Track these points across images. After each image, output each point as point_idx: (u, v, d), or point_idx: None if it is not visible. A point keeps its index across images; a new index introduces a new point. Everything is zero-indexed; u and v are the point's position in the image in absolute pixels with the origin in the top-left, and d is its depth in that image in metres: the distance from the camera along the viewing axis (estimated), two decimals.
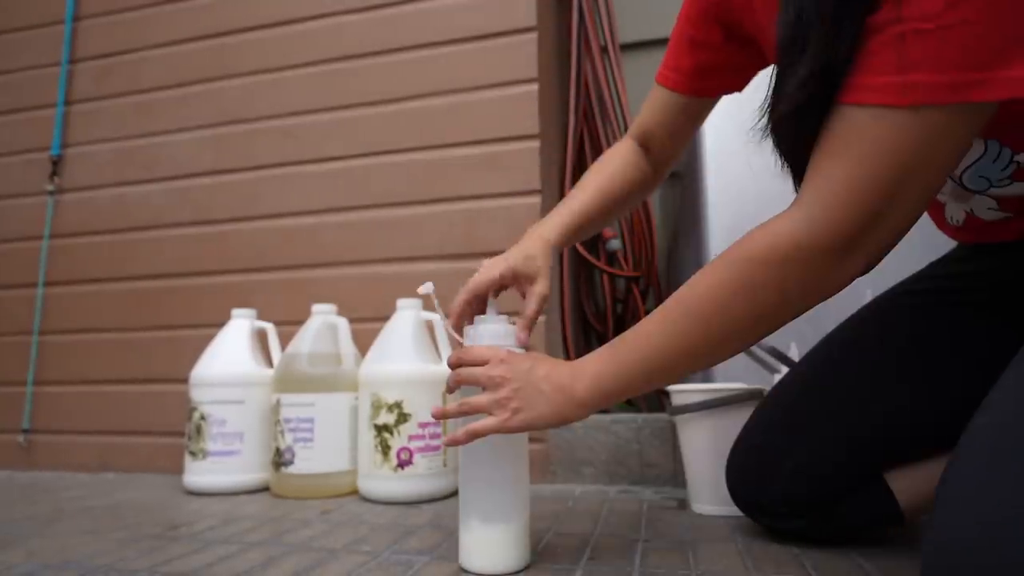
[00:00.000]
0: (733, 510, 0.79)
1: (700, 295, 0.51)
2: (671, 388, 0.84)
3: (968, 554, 0.36)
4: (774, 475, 0.66)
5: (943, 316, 0.65)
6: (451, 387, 0.60)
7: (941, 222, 0.69)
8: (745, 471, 0.69)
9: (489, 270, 0.64)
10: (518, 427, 0.56)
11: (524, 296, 0.66)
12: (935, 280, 0.69)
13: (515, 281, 0.65)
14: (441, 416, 0.59)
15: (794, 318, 0.51)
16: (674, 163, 0.77)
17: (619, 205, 0.74)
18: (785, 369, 0.83)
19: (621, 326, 1.38)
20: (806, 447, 0.65)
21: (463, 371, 0.58)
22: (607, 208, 0.72)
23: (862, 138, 0.43)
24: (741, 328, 0.51)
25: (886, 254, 0.48)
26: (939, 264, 0.71)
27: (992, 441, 0.40)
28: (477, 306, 0.65)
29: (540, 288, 0.64)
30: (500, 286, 0.65)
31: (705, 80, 0.68)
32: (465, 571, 0.59)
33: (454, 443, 0.57)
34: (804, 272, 0.47)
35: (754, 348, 0.81)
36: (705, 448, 0.82)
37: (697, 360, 0.53)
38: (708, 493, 0.82)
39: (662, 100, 0.71)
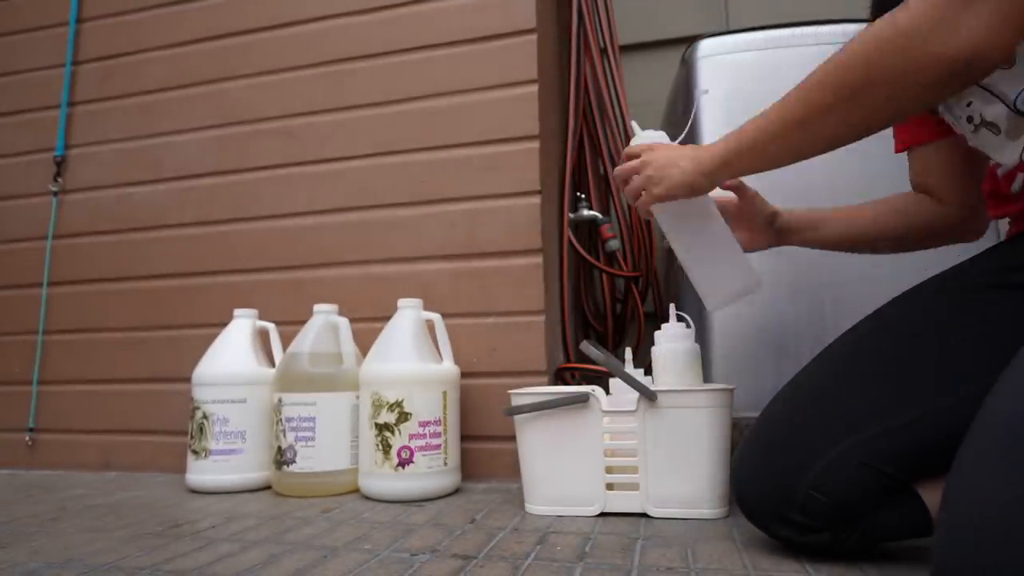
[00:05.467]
0: (565, 510, 0.80)
1: (824, 68, 0.56)
2: (512, 392, 0.85)
3: (978, 550, 0.35)
4: (795, 482, 0.59)
5: (984, 314, 0.59)
6: (619, 182, 0.80)
7: (995, 204, 0.67)
8: (759, 475, 0.63)
9: None
10: (662, 194, 0.72)
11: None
12: (985, 274, 0.62)
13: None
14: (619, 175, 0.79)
15: (923, 103, 0.55)
16: (971, 203, 0.76)
17: (885, 219, 0.81)
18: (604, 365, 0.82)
19: (621, 326, 1.38)
20: (833, 454, 0.58)
21: (620, 167, 0.79)
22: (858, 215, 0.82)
23: None
24: (858, 110, 0.55)
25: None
26: (982, 257, 0.65)
27: (1004, 429, 0.38)
28: None
29: None
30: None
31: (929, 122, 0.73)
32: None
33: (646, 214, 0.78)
34: (923, 41, 0.48)
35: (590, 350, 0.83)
36: (538, 449, 0.83)
37: (807, 134, 0.59)
38: (541, 493, 0.82)
39: (916, 160, 0.78)
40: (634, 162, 0.77)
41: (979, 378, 0.55)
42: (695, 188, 0.71)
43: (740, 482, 0.65)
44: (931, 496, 0.59)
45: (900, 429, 0.58)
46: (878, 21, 0.53)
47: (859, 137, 0.58)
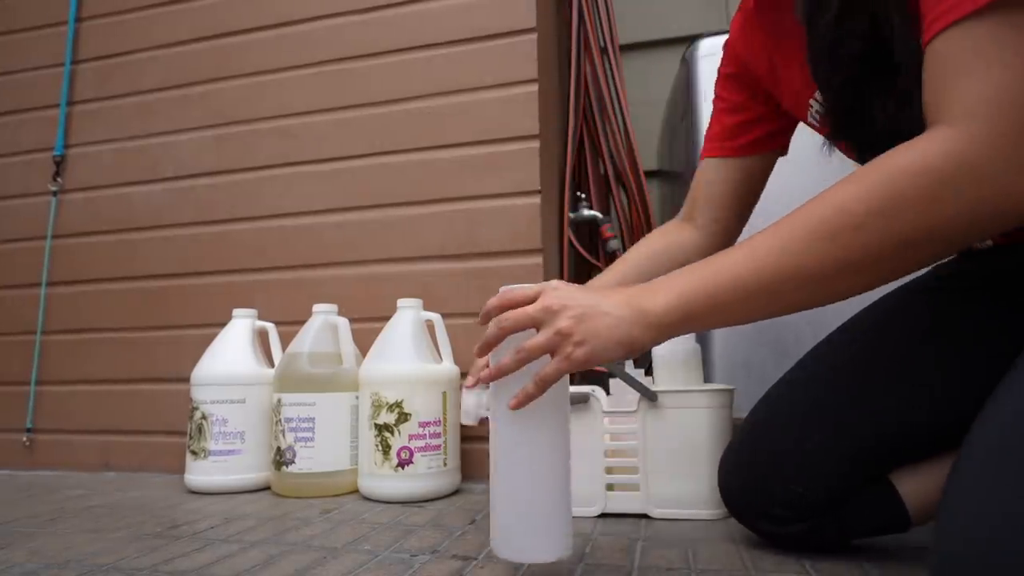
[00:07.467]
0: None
1: (828, 208, 0.43)
2: None
3: (975, 564, 0.35)
4: (774, 476, 0.62)
5: (954, 310, 0.61)
6: (485, 346, 0.52)
7: None
8: (741, 474, 0.65)
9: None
10: (584, 360, 0.47)
11: None
12: (941, 278, 0.65)
13: None
14: (498, 374, 0.51)
15: (937, 258, 0.43)
16: (733, 233, 0.80)
17: (663, 268, 0.76)
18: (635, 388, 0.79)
19: None
20: (807, 446, 0.61)
21: (509, 314, 0.50)
22: (651, 271, 0.74)
23: (992, 43, 0.38)
24: (873, 255, 0.42)
25: None
26: (944, 265, 0.67)
27: (997, 443, 0.38)
28: None
29: None
30: None
31: (741, 138, 0.75)
32: (497, 557, 0.54)
33: (527, 399, 0.49)
34: (974, 188, 0.38)
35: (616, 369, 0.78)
36: None
37: (802, 289, 0.45)
38: None
39: (709, 171, 0.78)
40: (530, 308, 0.50)
41: (952, 373, 0.58)
42: (634, 348, 0.48)
43: (724, 479, 0.68)
44: (905, 486, 0.61)
45: (867, 420, 0.60)
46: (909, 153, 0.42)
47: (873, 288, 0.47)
